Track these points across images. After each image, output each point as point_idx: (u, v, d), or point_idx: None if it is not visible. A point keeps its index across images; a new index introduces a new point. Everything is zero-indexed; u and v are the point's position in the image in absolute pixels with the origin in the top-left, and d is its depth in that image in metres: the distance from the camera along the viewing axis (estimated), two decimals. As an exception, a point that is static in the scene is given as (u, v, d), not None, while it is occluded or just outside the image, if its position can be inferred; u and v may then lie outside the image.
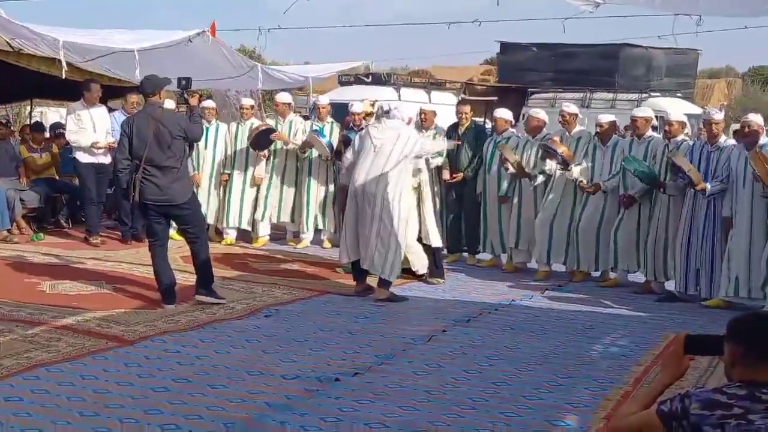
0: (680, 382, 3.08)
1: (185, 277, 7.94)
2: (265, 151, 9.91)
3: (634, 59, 21.58)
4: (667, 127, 7.94)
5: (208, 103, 10.47)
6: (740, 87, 35.38)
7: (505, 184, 8.84)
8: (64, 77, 9.21)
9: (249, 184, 10.09)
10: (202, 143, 9.96)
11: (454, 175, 9.17)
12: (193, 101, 7.17)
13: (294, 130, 10.01)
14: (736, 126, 9.93)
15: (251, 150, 9.90)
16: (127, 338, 5.71)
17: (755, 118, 7.27)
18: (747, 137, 7.16)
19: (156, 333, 5.88)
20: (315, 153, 9.84)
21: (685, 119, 8.11)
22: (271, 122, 10.37)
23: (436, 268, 8.16)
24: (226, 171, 10.12)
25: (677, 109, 12.15)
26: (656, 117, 8.66)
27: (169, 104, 10.00)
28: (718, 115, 7.60)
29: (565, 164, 8.19)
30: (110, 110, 10.47)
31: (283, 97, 10.41)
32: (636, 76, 21.16)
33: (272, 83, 12.87)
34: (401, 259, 7.38)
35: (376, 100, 11.35)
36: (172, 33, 10.55)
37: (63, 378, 4.80)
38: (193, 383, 4.81)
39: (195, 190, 7.24)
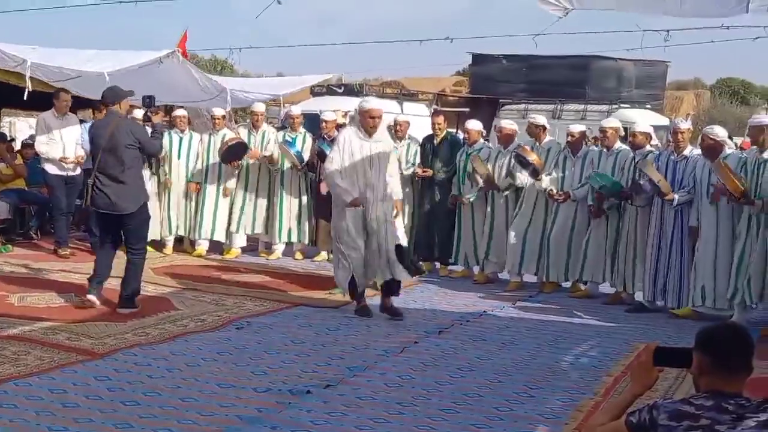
0: (650, 393, 3.11)
1: (154, 288, 7.93)
2: (237, 163, 9.88)
3: (605, 71, 21.82)
4: (631, 138, 8.04)
5: (180, 112, 10.45)
6: (708, 99, 35.86)
7: (472, 195, 8.89)
8: (26, 96, 9.25)
9: (221, 195, 10.06)
10: (174, 153, 9.98)
11: (424, 170, 9.22)
12: (156, 118, 7.40)
13: (266, 140, 10.02)
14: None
15: (222, 162, 9.87)
16: (97, 351, 5.66)
17: (715, 130, 7.32)
18: (706, 149, 7.21)
19: (126, 346, 5.83)
20: (287, 165, 9.84)
21: (650, 130, 8.20)
22: (243, 131, 10.35)
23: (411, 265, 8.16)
24: (194, 180, 10.08)
25: (645, 120, 12.29)
26: (625, 128, 8.73)
27: (181, 112, 10.17)
28: (685, 125, 7.70)
29: (535, 173, 8.25)
30: (81, 121, 10.42)
31: (257, 107, 10.42)
32: (606, 88, 21.39)
33: (242, 102, 12.95)
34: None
35: (348, 112, 11.40)
36: (143, 54, 10.58)
37: (31, 392, 4.74)
38: (164, 396, 4.77)
39: (148, 203, 7.22)
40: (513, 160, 8.47)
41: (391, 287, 7.21)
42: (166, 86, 11.12)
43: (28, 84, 9.21)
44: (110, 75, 9.47)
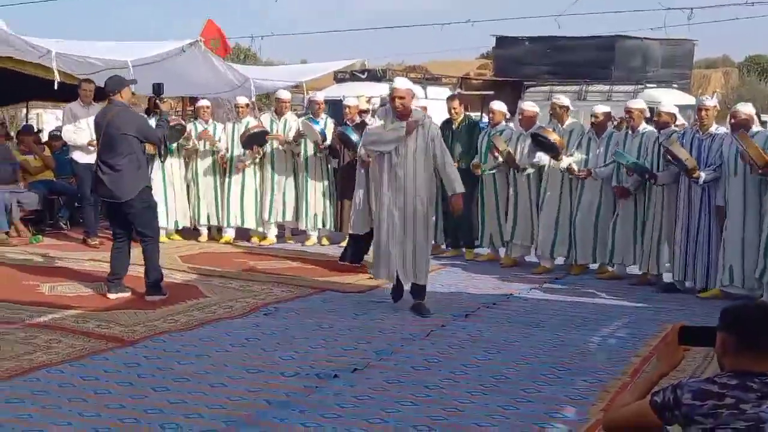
0: (676, 373, 3.10)
1: (183, 276, 8.01)
2: (258, 149, 9.94)
3: (630, 51, 21.61)
4: (656, 118, 7.97)
5: (204, 102, 10.54)
6: (737, 77, 35.39)
7: (488, 167, 8.88)
8: (56, 87, 9.30)
9: (247, 182, 10.14)
10: (201, 143, 10.06)
11: None
12: (164, 107, 7.58)
13: (288, 127, 10.07)
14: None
15: (243, 148, 9.94)
16: (127, 338, 5.74)
17: (743, 108, 7.27)
18: (735, 126, 7.15)
19: (155, 333, 5.90)
20: (310, 150, 9.87)
21: (675, 110, 8.10)
22: (265, 119, 10.41)
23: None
24: (241, 161, 10.16)
25: (671, 100, 12.18)
26: (651, 109, 8.66)
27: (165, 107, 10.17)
28: (710, 101, 7.60)
29: (556, 153, 8.20)
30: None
31: (282, 94, 10.46)
32: (632, 68, 21.19)
33: (265, 90, 12.95)
34: None
35: (372, 97, 11.40)
36: (165, 44, 10.64)
37: (63, 379, 4.82)
38: (193, 382, 4.83)
39: (151, 188, 7.34)
40: (532, 140, 8.42)
41: (415, 292, 6.87)
42: (187, 77, 11.20)
43: (56, 74, 9.30)
44: (134, 65, 9.52)
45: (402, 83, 6.78)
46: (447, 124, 9.39)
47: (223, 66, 11.87)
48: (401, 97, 6.59)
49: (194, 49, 10.80)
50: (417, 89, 16.64)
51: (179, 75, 11.19)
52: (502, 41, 23.41)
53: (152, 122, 7.55)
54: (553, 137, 8.15)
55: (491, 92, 19.67)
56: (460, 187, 6.76)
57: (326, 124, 9.91)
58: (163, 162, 9.27)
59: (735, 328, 2.63)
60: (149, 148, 7.85)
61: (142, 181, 7.09)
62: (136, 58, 9.76)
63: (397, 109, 6.62)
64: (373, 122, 7.03)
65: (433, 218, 7.07)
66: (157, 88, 7.38)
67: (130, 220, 7.08)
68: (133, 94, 8.80)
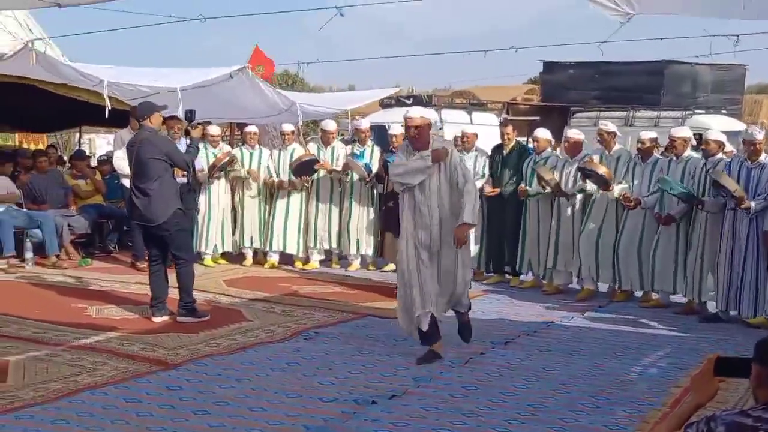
0: (718, 405, 3.07)
1: (227, 300, 8.11)
2: (307, 178, 10.07)
3: (680, 76, 21.36)
4: (704, 146, 7.90)
5: (251, 128, 10.72)
6: (790, 102, 34.78)
7: (533, 190, 8.86)
8: (107, 115, 9.51)
9: (292, 208, 10.26)
10: (245, 168, 10.23)
11: (492, 190, 9.21)
12: (195, 133, 7.70)
13: (336, 155, 10.18)
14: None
15: (293, 176, 10.05)
16: (170, 362, 5.83)
17: None
18: None
19: (198, 356, 5.99)
20: (356, 176, 9.97)
21: (723, 138, 8.01)
22: (312, 147, 10.52)
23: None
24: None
25: (720, 126, 12.04)
26: (700, 135, 8.57)
27: (215, 130, 10.34)
28: (760, 135, 7.52)
29: (605, 184, 8.17)
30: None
31: (329, 126, 10.54)
32: (681, 93, 20.94)
33: (312, 116, 13.08)
34: None
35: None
36: (214, 70, 10.84)
37: (107, 401, 4.93)
38: (233, 406, 4.90)
39: (183, 211, 7.46)
40: (579, 173, 8.39)
41: (459, 323, 6.51)
42: (235, 102, 11.41)
43: (107, 102, 9.53)
44: (182, 91, 9.72)
45: (416, 111, 6.21)
46: (498, 149, 9.42)
47: (270, 91, 12.03)
48: (417, 126, 6.06)
49: (242, 74, 10.98)
50: (462, 115, 16.80)
51: (227, 100, 11.41)
52: (549, 66, 23.35)
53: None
54: (602, 170, 8.11)
55: (537, 117, 19.63)
56: (468, 217, 5.98)
57: (372, 152, 9.98)
58: (192, 188, 9.42)
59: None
60: (177, 173, 7.97)
61: (174, 204, 7.22)
62: (184, 85, 9.95)
63: (413, 138, 6.10)
64: (396, 159, 6.48)
65: (474, 247, 6.66)
66: (189, 115, 7.56)
67: (166, 244, 7.24)
68: (174, 119, 9.02)
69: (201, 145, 9.65)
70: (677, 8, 6.41)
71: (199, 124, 8.18)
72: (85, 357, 5.89)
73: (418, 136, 6.07)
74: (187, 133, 7.64)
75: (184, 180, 9.10)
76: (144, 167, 7.07)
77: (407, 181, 6.12)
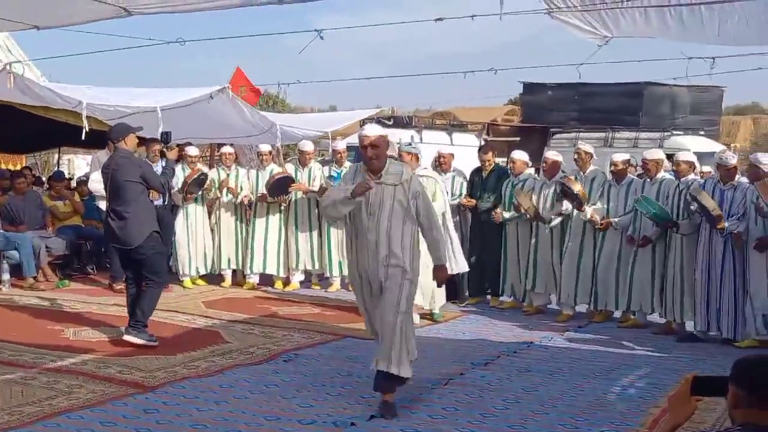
0: (697, 425, 3.07)
1: (205, 321, 8.06)
2: (284, 198, 10.04)
3: (659, 97, 21.55)
4: (674, 168, 7.98)
5: (227, 149, 10.69)
6: (766, 123, 35.21)
7: (508, 213, 8.91)
8: (84, 136, 9.44)
9: (270, 229, 10.23)
10: (223, 191, 10.19)
11: (468, 201, 9.27)
12: (171, 154, 7.73)
13: (312, 176, 10.17)
14: None
15: (269, 196, 10.03)
16: (147, 384, 5.78)
17: (763, 158, 7.31)
18: (752, 177, 7.21)
19: (175, 379, 5.94)
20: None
21: (693, 159, 8.11)
22: (290, 168, 10.51)
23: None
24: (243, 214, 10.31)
25: (695, 146, 12.16)
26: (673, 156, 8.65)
27: (193, 151, 10.26)
28: (732, 160, 7.59)
29: (579, 203, 8.22)
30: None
31: (306, 146, 10.54)
32: (660, 115, 21.11)
33: (291, 138, 13.08)
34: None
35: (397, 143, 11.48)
36: (194, 90, 10.82)
37: (83, 425, 4.86)
38: (211, 429, 4.85)
39: (159, 233, 7.36)
40: (558, 189, 8.45)
41: (383, 380, 5.35)
42: (215, 122, 11.38)
43: (86, 124, 9.47)
44: (162, 111, 9.68)
45: (372, 129, 5.38)
46: (477, 171, 9.47)
47: (250, 111, 12.01)
48: (374, 146, 5.27)
49: (222, 95, 10.96)
50: (442, 136, 16.86)
51: (207, 121, 11.36)
52: (529, 88, 23.50)
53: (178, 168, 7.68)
54: (577, 188, 8.17)
55: (518, 138, 19.73)
56: (442, 259, 5.53)
57: (349, 173, 9.96)
58: (170, 210, 9.35)
59: (745, 382, 2.60)
60: (153, 195, 7.93)
61: (150, 226, 7.17)
62: (164, 105, 9.92)
63: (369, 159, 5.28)
64: (341, 183, 5.78)
65: (414, 286, 5.46)
66: (165, 136, 7.56)
67: (141, 266, 7.17)
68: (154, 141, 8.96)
69: (179, 167, 9.63)
70: (654, 32, 6.49)
71: (178, 145, 8.15)
72: (61, 380, 5.82)
73: (375, 157, 5.28)
74: (162, 154, 7.61)
75: (160, 202, 9.07)
76: (119, 190, 7.04)
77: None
